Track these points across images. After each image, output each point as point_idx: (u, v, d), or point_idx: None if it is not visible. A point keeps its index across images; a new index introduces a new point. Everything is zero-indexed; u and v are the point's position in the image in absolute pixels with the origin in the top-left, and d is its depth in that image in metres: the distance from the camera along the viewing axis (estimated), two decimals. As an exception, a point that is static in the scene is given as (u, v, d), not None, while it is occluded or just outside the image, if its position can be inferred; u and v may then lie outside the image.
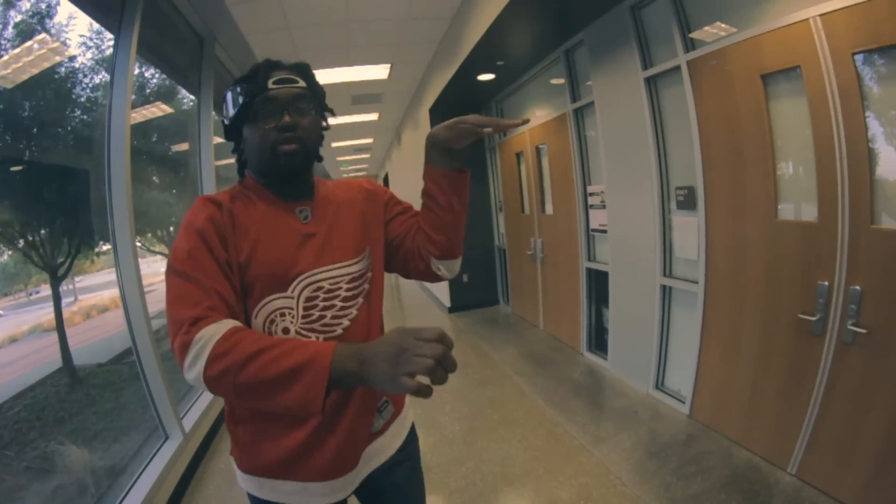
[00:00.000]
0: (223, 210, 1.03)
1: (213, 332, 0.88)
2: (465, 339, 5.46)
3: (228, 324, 0.90)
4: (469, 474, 2.76)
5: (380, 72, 5.84)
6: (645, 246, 3.32)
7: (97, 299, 3.88)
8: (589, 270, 4.26)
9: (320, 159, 1.21)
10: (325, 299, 1.08)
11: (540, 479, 2.63)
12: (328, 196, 1.19)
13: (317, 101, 1.15)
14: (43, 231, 3.13)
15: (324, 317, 1.08)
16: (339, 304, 1.10)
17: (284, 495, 1.10)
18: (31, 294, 3.37)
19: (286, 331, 1.04)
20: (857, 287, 2.03)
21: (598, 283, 4.18)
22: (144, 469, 2.73)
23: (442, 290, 7.01)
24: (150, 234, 4.65)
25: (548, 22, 3.60)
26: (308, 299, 1.06)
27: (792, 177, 2.36)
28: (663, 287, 3.23)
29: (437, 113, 6.19)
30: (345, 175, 18.51)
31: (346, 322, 1.10)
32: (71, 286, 3.72)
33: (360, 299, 1.13)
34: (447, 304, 6.75)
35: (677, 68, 2.81)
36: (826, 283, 2.15)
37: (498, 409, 3.54)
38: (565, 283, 4.67)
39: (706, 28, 2.70)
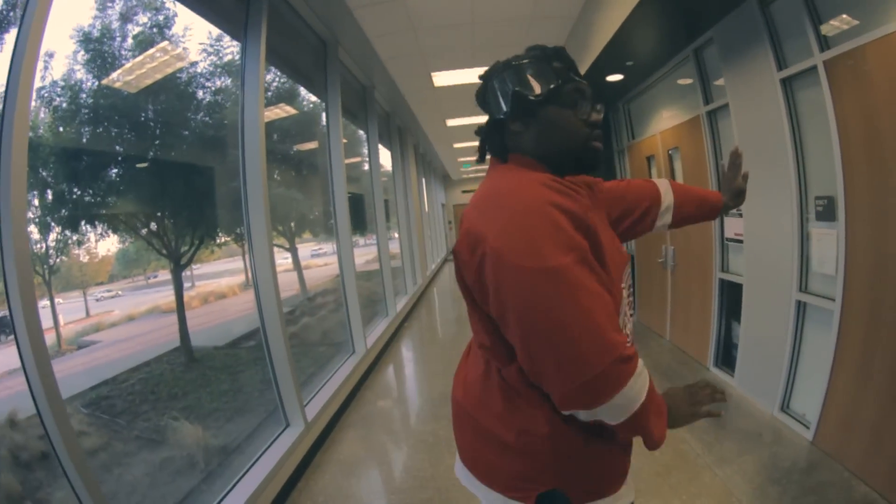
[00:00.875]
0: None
1: (643, 366, 0.97)
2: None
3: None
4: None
5: (507, 74, 5.98)
6: (781, 258, 3.13)
7: (215, 286, 4.13)
8: (722, 282, 4.07)
9: None
10: (627, 289, 1.11)
11: (664, 496, 2.63)
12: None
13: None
14: (168, 222, 3.42)
15: (625, 311, 1.09)
16: (628, 299, 1.13)
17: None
18: (149, 278, 3.68)
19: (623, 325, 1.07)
20: None
21: (731, 296, 3.98)
22: (263, 453, 2.84)
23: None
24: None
25: (677, 20, 3.53)
26: (627, 293, 1.11)
27: None
28: (798, 303, 3.04)
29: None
30: (464, 176, 18.86)
31: (629, 325, 1.14)
32: (189, 273, 3.96)
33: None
34: (572, 309, 6.69)
35: (814, 68, 2.65)
36: None
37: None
38: (696, 293, 4.49)
39: (840, 23, 2.52)
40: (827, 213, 2.73)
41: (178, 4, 3.05)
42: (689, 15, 3.45)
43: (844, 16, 2.47)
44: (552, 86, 1.03)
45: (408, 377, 5.41)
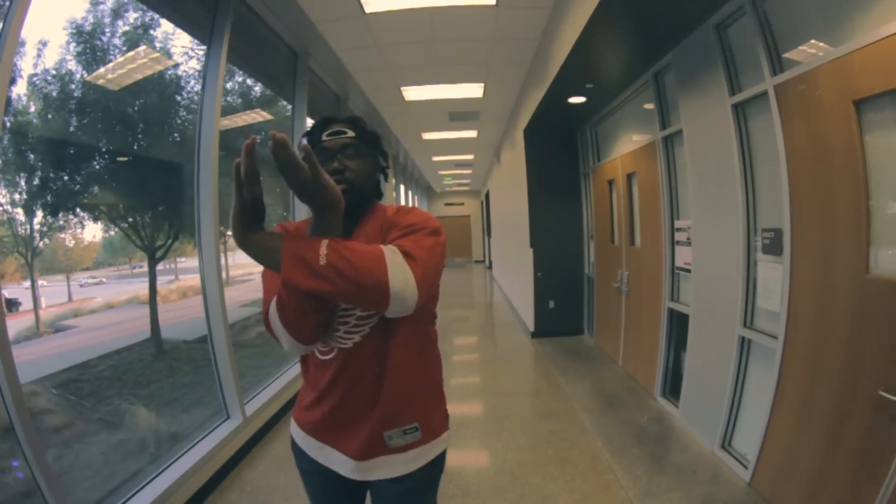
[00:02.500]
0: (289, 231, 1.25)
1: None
2: (542, 366, 5.33)
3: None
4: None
5: (474, 90, 5.94)
6: (727, 291, 2.99)
7: (195, 281, 4.17)
8: (671, 311, 3.94)
9: (379, 195, 1.42)
10: (340, 316, 1.24)
11: None
12: (363, 228, 1.32)
13: (368, 146, 1.34)
14: (144, 216, 3.52)
15: (338, 330, 1.24)
16: (353, 321, 1.24)
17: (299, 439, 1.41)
18: (133, 268, 3.79)
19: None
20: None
21: (680, 326, 3.85)
22: (200, 440, 2.98)
23: (527, 314, 6.88)
24: None
25: (633, 42, 3.42)
26: (332, 313, 1.24)
27: (886, 219, 1.99)
28: (742, 338, 2.89)
29: (533, 134, 6.15)
30: (448, 189, 18.85)
31: (357, 338, 1.24)
32: (173, 265, 4.14)
33: (375, 319, 1.23)
34: (531, 328, 6.60)
35: (765, 94, 2.52)
36: None
37: (554, 444, 3.40)
38: (647, 321, 4.36)
39: (794, 49, 2.41)
40: (774, 246, 2.59)
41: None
42: (644, 37, 3.34)
43: (804, 40, 2.35)
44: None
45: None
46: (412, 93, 6.00)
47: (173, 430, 3.38)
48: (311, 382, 1.35)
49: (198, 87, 3.60)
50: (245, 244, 1.05)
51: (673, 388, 3.95)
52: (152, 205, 3.61)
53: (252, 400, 3.67)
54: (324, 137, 1.29)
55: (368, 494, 1.46)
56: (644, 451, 3.22)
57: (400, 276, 1.06)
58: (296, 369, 4.50)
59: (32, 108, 2.75)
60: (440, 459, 1.40)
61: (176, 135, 3.70)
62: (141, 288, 3.74)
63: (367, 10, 3.73)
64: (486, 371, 5.48)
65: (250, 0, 3.61)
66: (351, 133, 1.30)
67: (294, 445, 1.43)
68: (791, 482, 2.43)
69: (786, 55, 2.47)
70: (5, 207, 2.70)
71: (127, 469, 2.82)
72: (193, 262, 4.13)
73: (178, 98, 3.68)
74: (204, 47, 3.27)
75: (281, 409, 4.01)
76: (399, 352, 1.26)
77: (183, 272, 4.39)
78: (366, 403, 1.27)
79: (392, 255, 1.08)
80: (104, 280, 3.70)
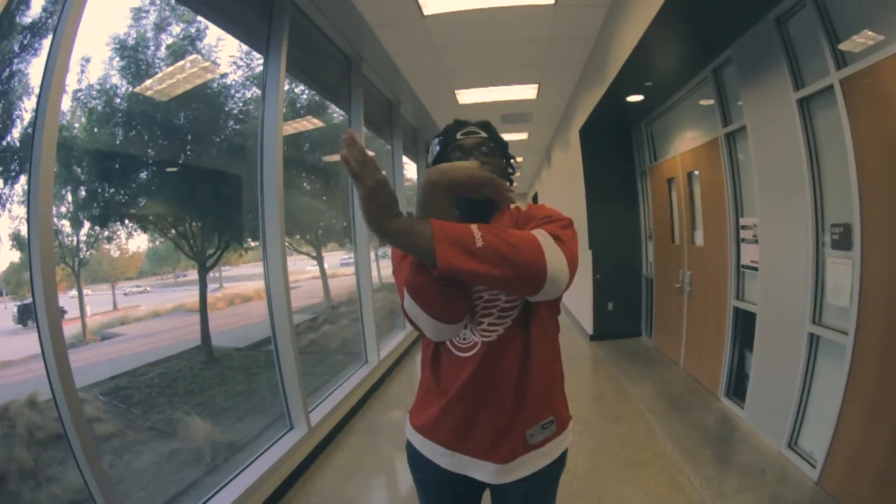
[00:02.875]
0: None
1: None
2: (603, 370, 5.29)
3: None
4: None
5: (528, 92, 5.96)
6: (796, 288, 2.94)
7: (241, 289, 4.24)
8: (736, 310, 3.87)
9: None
10: (483, 307, 1.23)
11: None
12: (497, 223, 1.30)
13: (499, 149, 1.37)
14: (195, 225, 3.56)
15: (482, 322, 1.23)
16: (497, 312, 1.22)
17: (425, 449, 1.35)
18: (178, 277, 3.81)
19: (465, 325, 1.24)
20: None
21: (745, 325, 3.78)
22: (264, 452, 2.92)
23: (585, 317, 6.84)
24: (298, 237, 5.02)
25: (694, 39, 3.42)
26: (475, 304, 1.24)
27: None
28: (811, 335, 2.83)
29: (588, 134, 6.13)
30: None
31: (501, 330, 1.22)
32: (218, 274, 4.11)
33: (517, 312, 1.23)
34: (589, 331, 6.57)
35: (830, 88, 2.48)
36: None
37: (625, 447, 3.40)
38: (711, 321, 4.29)
39: (857, 39, 2.37)
40: (843, 241, 2.54)
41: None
42: (705, 33, 3.32)
43: (866, 31, 2.31)
44: (436, 154, 1.40)
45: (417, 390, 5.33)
46: (466, 96, 6.06)
47: (230, 440, 3.30)
48: (443, 385, 1.29)
49: (248, 95, 3.71)
50: (386, 234, 0.97)
51: (737, 388, 3.88)
52: (202, 214, 3.61)
53: (316, 409, 3.61)
54: (459, 136, 1.33)
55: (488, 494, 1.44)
56: (712, 452, 3.20)
57: (554, 258, 1.05)
58: (358, 376, 4.50)
59: (77, 123, 2.84)
60: (566, 453, 1.37)
61: (225, 144, 3.74)
62: (186, 296, 3.74)
63: (426, 12, 3.78)
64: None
65: (305, 7, 3.59)
66: (484, 134, 1.35)
67: (414, 455, 1.39)
68: (861, 481, 2.39)
69: (846, 49, 2.43)
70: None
71: (181, 480, 2.79)
72: (238, 271, 4.21)
73: (227, 108, 3.71)
74: (260, 56, 3.32)
75: (344, 416, 3.97)
76: (539, 344, 1.26)
77: (227, 280, 4.41)
78: (508, 401, 1.23)
79: (544, 238, 1.07)
80: (148, 289, 3.71)
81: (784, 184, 3.01)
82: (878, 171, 2.27)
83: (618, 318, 6.43)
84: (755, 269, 3.49)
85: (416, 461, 1.38)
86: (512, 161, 1.45)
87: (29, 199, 1.69)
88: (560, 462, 1.34)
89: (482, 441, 1.24)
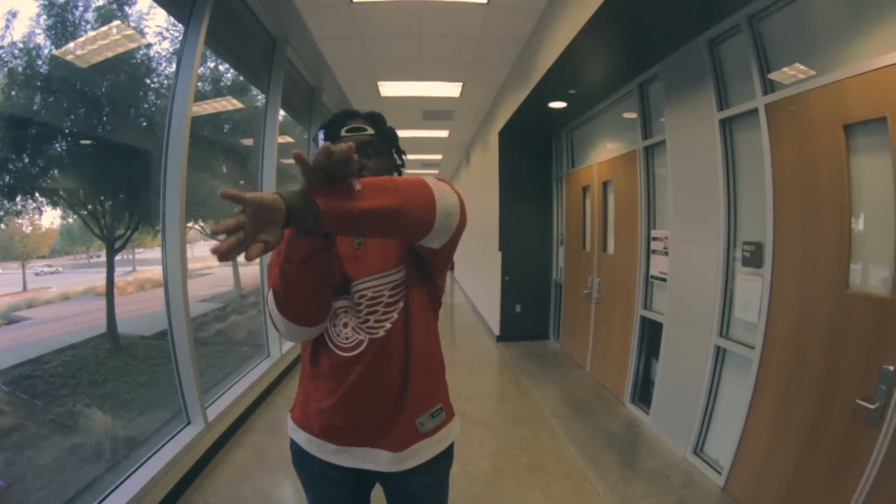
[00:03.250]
0: None
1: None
2: (508, 371, 5.35)
3: None
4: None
5: (452, 89, 5.93)
6: (704, 301, 3.07)
7: (153, 273, 3.98)
8: (643, 319, 4.02)
9: None
10: (367, 305, 1.27)
11: None
12: None
13: (386, 144, 1.38)
14: (107, 203, 3.34)
15: (368, 320, 1.27)
16: (382, 309, 1.28)
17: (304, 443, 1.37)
18: (91, 257, 3.63)
19: (346, 325, 1.28)
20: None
21: (652, 334, 3.93)
22: (160, 448, 2.82)
23: (493, 318, 6.93)
24: (211, 221, 4.82)
25: (623, 52, 3.48)
26: (358, 304, 1.27)
27: (866, 238, 2.11)
28: (717, 348, 2.97)
29: (508, 136, 6.19)
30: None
31: (388, 325, 1.28)
32: (131, 256, 3.94)
33: (402, 304, 1.29)
34: (496, 332, 6.65)
35: (755, 111, 2.61)
36: (892, 368, 1.91)
37: (527, 451, 3.41)
38: (618, 328, 4.44)
39: (786, 69, 2.49)
40: (754, 259, 2.67)
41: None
42: (634, 48, 3.40)
43: (798, 64, 2.44)
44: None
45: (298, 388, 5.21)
46: (388, 88, 5.95)
47: (131, 434, 3.22)
48: (331, 384, 1.30)
49: (169, 70, 3.44)
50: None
51: (643, 394, 4.03)
52: (114, 192, 3.43)
53: (213, 403, 3.53)
54: (343, 133, 1.30)
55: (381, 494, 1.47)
56: (617, 458, 3.27)
57: (441, 191, 1.11)
58: (259, 370, 4.39)
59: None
60: (453, 445, 1.43)
61: (142, 120, 3.53)
62: (98, 279, 3.54)
63: None
64: (452, 375, 5.30)
65: None
66: (371, 130, 1.32)
67: (300, 454, 1.38)
68: (766, 486, 2.52)
69: (776, 78, 2.56)
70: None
71: (82, 477, 2.68)
72: (152, 254, 3.97)
73: (149, 81, 3.51)
74: (181, 26, 3.10)
75: (244, 412, 3.89)
76: (423, 335, 1.33)
77: (141, 263, 4.23)
78: (398, 393, 1.29)
79: (427, 178, 1.13)
80: (60, 269, 3.57)
81: (699, 199, 3.13)
82: (795, 194, 2.39)
83: (525, 320, 6.55)
84: (664, 280, 3.62)
85: (303, 460, 1.38)
86: (403, 154, 1.47)
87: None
88: (450, 454, 1.41)
89: (376, 433, 1.29)
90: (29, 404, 2.86)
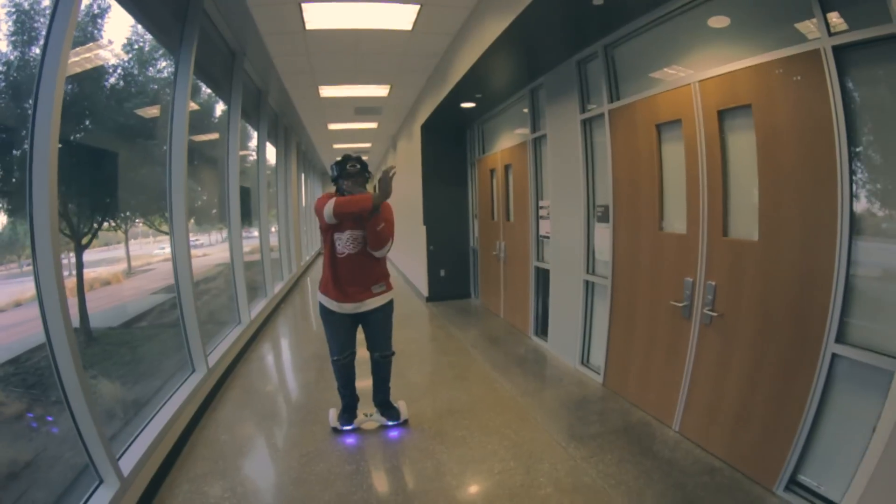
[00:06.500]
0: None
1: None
2: (437, 322, 6.04)
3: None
4: (425, 406, 3.40)
5: (381, 90, 6.44)
6: (575, 249, 3.94)
7: (96, 274, 3.97)
8: (537, 269, 4.90)
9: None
10: (348, 238, 2.80)
11: (476, 414, 3.24)
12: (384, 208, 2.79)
13: (365, 170, 2.92)
14: (73, 202, 3.28)
15: (349, 245, 2.80)
16: (352, 242, 2.81)
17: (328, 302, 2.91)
18: (23, 266, 3.00)
19: (345, 244, 2.79)
20: (713, 282, 2.54)
21: (544, 279, 4.80)
22: (172, 395, 3.10)
23: (421, 282, 7.55)
24: (157, 217, 4.56)
25: (517, 66, 4.23)
26: (353, 237, 2.81)
27: (670, 197, 2.97)
28: (586, 282, 3.86)
29: (428, 129, 6.83)
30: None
31: (356, 248, 2.81)
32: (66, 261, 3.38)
33: (361, 241, 2.81)
34: (425, 294, 7.29)
35: (602, 115, 3.44)
36: (691, 279, 2.69)
37: (453, 368, 4.18)
38: (520, 279, 5.29)
39: (623, 85, 3.33)
40: (604, 216, 3.54)
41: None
42: (526, 64, 4.17)
43: (632, 83, 3.26)
44: (336, 174, 2.93)
45: (283, 342, 5.72)
46: (327, 91, 6.37)
47: (133, 397, 3.35)
48: (335, 272, 2.83)
49: (134, 75, 3.59)
50: (375, 206, 2.61)
51: (543, 328, 4.91)
52: (81, 191, 3.34)
53: (210, 354, 3.82)
54: (348, 167, 2.85)
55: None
56: (522, 370, 4.10)
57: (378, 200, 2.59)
58: (235, 333, 4.71)
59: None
60: (392, 300, 3.01)
61: (109, 122, 3.50)
62: (27, 289, 3.18)
63: (308, 27, 4.15)
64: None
65: (211, 11, 3.76)
66: (359, 166, 2.88)
67: (324, 307, 2.91)
68: (627, 376, 3.35)
69: (622, 89, 3.37)
70: None
71: (109, 428, 2.72)
72: (87, 257, 3.65)
73: (114, 83, 3.48)
74: (149, 36, 3.29)
75: (236, 358, 4.39)
76: (373, 256, 2.84)
77: (87, 265, 3.72)
78: (364, 277, 2.86)
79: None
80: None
81: (569, 177, 3.98)
82: (624, 173, 3.28)
83: (450, 282, 7.27)
84: (548, 237, 4.50)
85: (325, 310, 2.92)
86: (369, 173, 3.02)
87: None
88: (391, 304, 3.01)
89: (353, 296, 2.84)
90: (27, 394, 2.84)
